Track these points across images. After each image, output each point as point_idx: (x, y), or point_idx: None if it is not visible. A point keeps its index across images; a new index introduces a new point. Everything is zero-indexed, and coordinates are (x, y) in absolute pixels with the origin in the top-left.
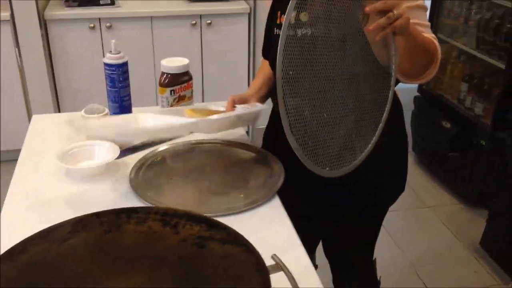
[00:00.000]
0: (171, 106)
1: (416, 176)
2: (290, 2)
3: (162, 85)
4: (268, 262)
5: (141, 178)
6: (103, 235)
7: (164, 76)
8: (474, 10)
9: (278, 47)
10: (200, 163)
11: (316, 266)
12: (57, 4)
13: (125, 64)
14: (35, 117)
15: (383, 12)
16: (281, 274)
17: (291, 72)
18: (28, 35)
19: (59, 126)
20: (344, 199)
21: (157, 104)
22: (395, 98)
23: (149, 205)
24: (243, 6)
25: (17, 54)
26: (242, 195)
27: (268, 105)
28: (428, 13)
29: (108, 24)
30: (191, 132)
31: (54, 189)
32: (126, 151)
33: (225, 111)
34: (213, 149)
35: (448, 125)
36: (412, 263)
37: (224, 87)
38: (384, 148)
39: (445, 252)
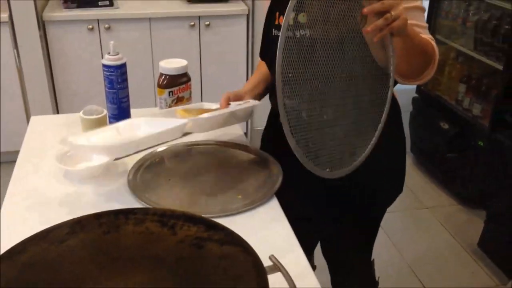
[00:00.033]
0: (170, 107)
1: (414, 177)
2: (289, 3)
3: (161, 86)
4: (266, 263)
5: (139, 180)
6: (102, 236)
7: (163, 77)
8: (472, 11)
9: (277, 48)
10: (198, 164)
11: (314, 267)
12: (56, 5)
13: (123, 66)
14: (33, 118)
15: (381, 13)
16: (279, 275)
17: (290, 75)
18: (27, 36)
19: (58, 127)
20: (342, 200)
21: (155, 106)
22: (393, 99)
23: (147, 206)
24: (242, 8)
25: (16, 55)
26: (240, 196)
27: (262, 101)
28: (426, 14)
29: (106, 26)
30: (185, 134)
31: (53, 190)
32: None
33: (218, 109)
34: (211, 150)
35: (446, 126)
36: (410, 264)
37: (223, 88)
38: (382, 149)
39: (443, 252)
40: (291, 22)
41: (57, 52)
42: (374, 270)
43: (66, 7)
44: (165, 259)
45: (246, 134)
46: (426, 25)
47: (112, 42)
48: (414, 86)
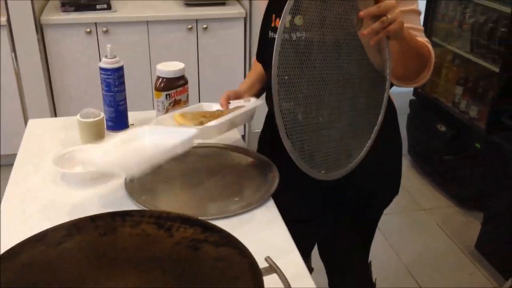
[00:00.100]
0: (167, 110)
1: (411, 179)
2: (286, 5)
3: (158, 89)
4: (263, 265)
5: (136, 182)
6: (98, 238)
7: (160, 80)
8: (468, 14)
9: (274, 51)
10: (195, 167)
11: (311, 269)
12: (54, 8)
13: (120, 69)
14: (31, 122)
15: (377, 16)
16: (274, 277)
17: (286, 77)
18: (25, 39)
19: (55, 130)
20: (339, 201)
21: (153, 108)
22: (389, 102)
23: (144, 208)
24: (239, 11)
25: (14, 58)
26: (237, 199)
27: (262, 100)
28: (422, 17)
29: (104, 29)
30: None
31: (50, 193)
32: None
33: (219, 110)
34: (209, 153)
35: (443, 128)
36: (407, 266)
37: (220, 91)
38: (379, 152)
39: (441, 254)
40: (288, 25)
41: (55, 56)
42: (371, 271)
43: (64, 11)
44: (161, 260)
45: (244, 136)
46: (422, 28)
47: (109, 45)
48: (411, 89)
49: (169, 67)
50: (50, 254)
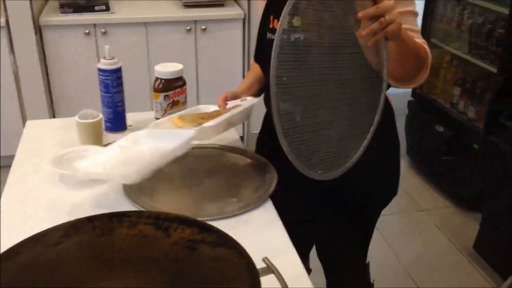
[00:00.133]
0: (165, 111)
1: (410, 180)
2: (285, 7)
3: (156, 90)
4: (260, 265)
5: (134, 183)
6: (96, 238)
7: (158, 81)
8: (466, 15)
9: (272, 52)
10: (193, 167)
11: (310, 270)
12: (52, 10)
13: (118, 70)
14: (29, 123)
15: (375, 17)
16: (272, 277)
17: (284, 78)
18: (23, 40)
19: (54, 131)
20: (337, 202)
21: (152, 109)
22: (387, 103)
23: (142, 209)
24: (238, 12)
25: (12, 59)
26: (235, 199)
27: (258, 104)
28: (420, 18)
29: (103, 30)
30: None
31: (48, 194)
32: None
33: (217, 110)
34: (207, 154)
35: (441, 129)
36: (406, 266)
37: (219, 92)
38: (376, 152)
39: (439, 255)
40: (286, 26)
41: (53, 57)
42: (369, 272)
43: (63, 12)
44: (158, 261)
45: (242, 137)
46: (419, 29)
47: (107, 46)
48: (410, 90)
49: (167, 68)
50: (48, 254)
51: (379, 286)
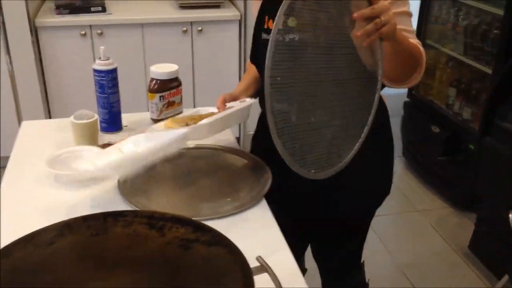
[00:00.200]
0: (161, 112)
1: (406, 181)
2: (280, 7)
3: (152, 91)
4: (254, 264)
5: (129, 183)
6: (90, 238)
7: (154, 82)
8: (461, 17)
9: (267, 52)
10: (189, 168)
11: (305, 270)
12: (48, 11)
13: (114, 71)
14: (25, 123)
15: (370, 18)
16: (266, 277)
17: (279, 78)
18: (19, 41)
19: (49, 132)
20: (332, 202)
21: (147, 110)
22: (381, 103)
23: (137, 209)
24: (234, 13)
25: (8, 60)
26: (230, 199)
27: (253, 105)
28: (416, 19)
29: (99, 31)
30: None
31: (43, 194)
32: None
33: (216, 112)
34: (202, 154)
35: (437, 130)
36: (401, 266)
37: (216, 93)
38: (370, 152)
39: (435, 255)
40: (281, 26)
41: (49, 58)
42: (364, 272)
43: (59, 13)
44: (153, 260)
45: (238, 138)
46: (413, 30)
47: (102, 47)
48: (405, 90)
49: (162, 69)
50: (42, 254)
51: (375, 286)
